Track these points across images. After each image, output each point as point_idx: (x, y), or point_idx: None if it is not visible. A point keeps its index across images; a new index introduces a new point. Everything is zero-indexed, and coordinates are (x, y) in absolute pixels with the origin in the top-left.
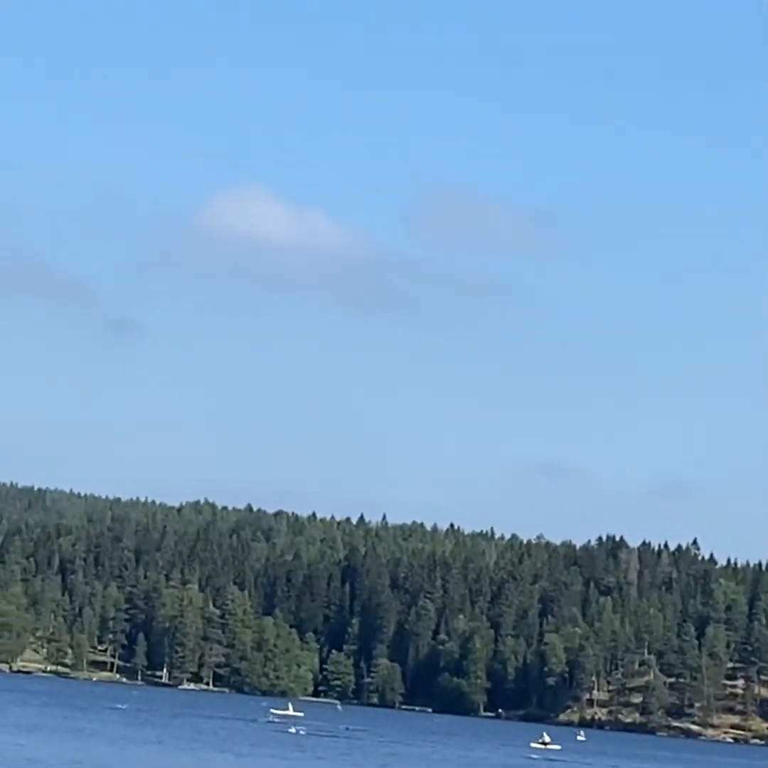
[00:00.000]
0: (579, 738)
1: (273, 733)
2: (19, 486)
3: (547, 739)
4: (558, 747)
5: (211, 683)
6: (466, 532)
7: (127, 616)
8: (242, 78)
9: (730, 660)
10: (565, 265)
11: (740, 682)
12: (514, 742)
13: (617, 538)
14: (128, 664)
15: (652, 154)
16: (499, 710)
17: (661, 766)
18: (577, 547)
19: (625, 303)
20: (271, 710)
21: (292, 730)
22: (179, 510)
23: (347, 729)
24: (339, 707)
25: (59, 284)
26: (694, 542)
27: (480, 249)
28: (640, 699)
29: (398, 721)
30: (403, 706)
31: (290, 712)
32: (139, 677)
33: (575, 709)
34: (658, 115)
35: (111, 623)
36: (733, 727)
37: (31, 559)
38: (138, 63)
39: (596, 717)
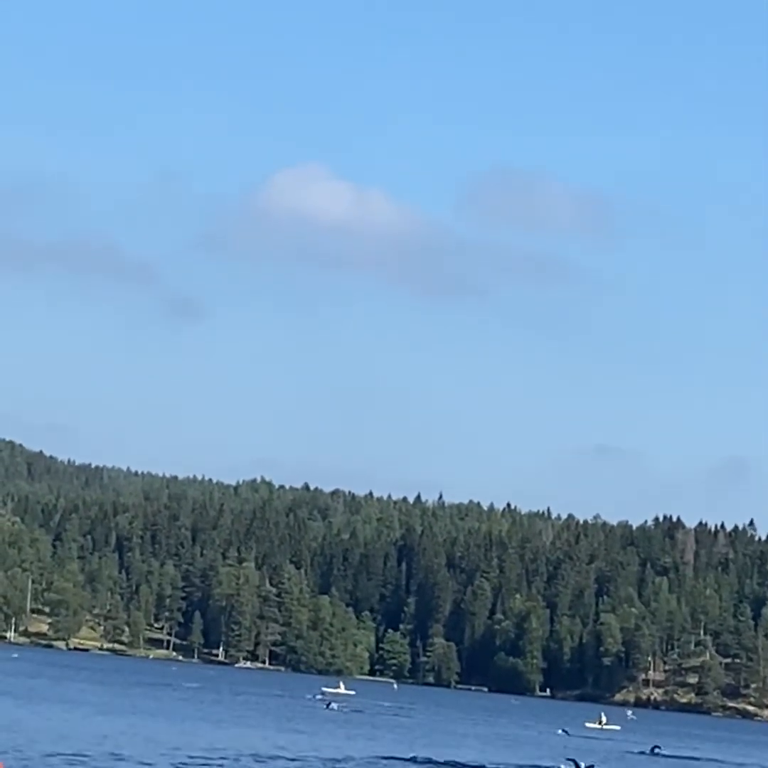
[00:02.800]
0: (629, 716)
1: (308, 709)
2: (77, 463)
3: (604, 719)
4: (617, 727)
5: (267, 662)
6: (522, 512)
7: (183, 594)
8: (302, 57)
9: None
10: (620, 247)
11: None
12: (566, 722)
13: (674, 519)
14: (184, 642)
15: (709, 139)
16: (547, 689)
17: (713, 746)
18: (634, 527)
19: (681, 284)
20: (323, 688)
21: (333, 706)
22: (236, 488)
23: (386, 706)
24: (395, 686)
25: (121, 264)
26: (751, 523)
27: (536, 230)
28: (696, 679)
29: (451, 700)
30: (459, 686)
31: (341, 690)
32: (196, 655)
33: (631, 689)
34: (719, 103)
35: (167, 601)
36: None
37: (89, 537)
38: (196, 44)
39: (652, 697)
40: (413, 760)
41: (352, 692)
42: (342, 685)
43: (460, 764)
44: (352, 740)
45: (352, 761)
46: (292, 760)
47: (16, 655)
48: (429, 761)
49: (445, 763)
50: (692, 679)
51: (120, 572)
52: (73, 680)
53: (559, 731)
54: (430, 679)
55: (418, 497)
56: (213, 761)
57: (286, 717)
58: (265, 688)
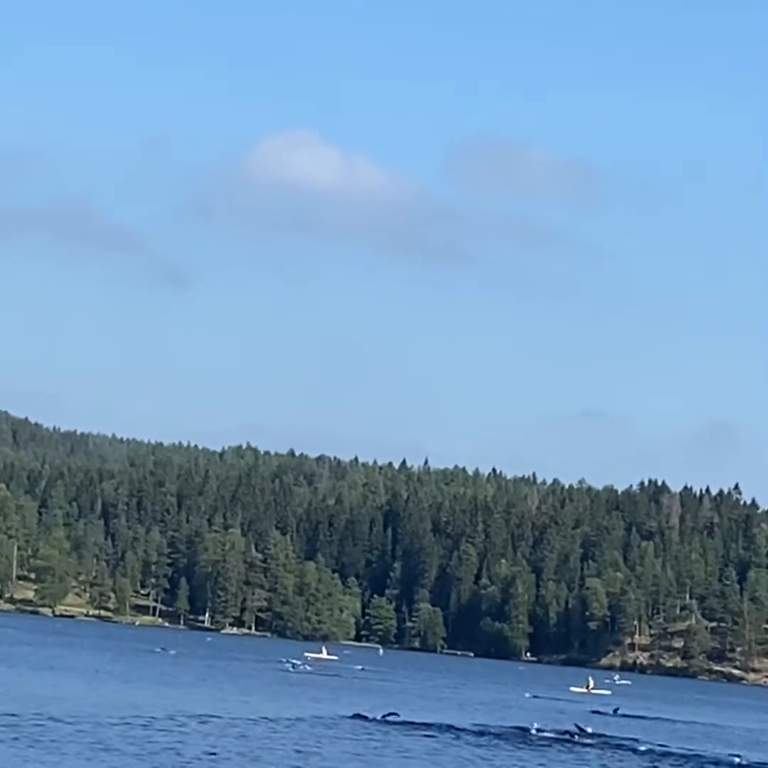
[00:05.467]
0: (616, 680)
1: (273, 672)
2: (62, 430)
3: (591, 683)
4: (607, 692)
5: (253, 628)
6: (508, 477)
7: (169, 561)
8: (289, 22)
9: None
10: (605, 213)
11: None
12: (550, 686)
13: (659, 483)
14: (170, 609)
15: (694, 106)
16: (533, 654)
17: (696, 710)
18: (619, 491)
19: (666, 249)
20: (305, 654)
21: (300, 669)
22: (221, 454)
23: (363, 670)
24: (380, 652)
25: (107, 231)
26: (736, 487)
27: (522, 197)
28: (682, 643)
29: (434, 665)
30: (445, 651)
31: (324, 655)
32: (182, 622)
33: (617, 653)
34: (704, 69)
35: (153, 568)
36: None
37: (74, 504)
38: (182, 7)
39: (638, 661)
40: (371, 719)
41: (335, 657)
42: (324, 651)
43: (418, 723)
44: (299, 700)
45: (292, 720)
46: (226, 718)
47: None
48: (386, 721)
49: (405, 722)
50: (678, 643)
51: (106, 539)
52: (44, 645)
53: (527, 695)
54: (416, 645)
55: (404, 463)
56: (157, 722)
57: (247, 680)
58: (241, 653)
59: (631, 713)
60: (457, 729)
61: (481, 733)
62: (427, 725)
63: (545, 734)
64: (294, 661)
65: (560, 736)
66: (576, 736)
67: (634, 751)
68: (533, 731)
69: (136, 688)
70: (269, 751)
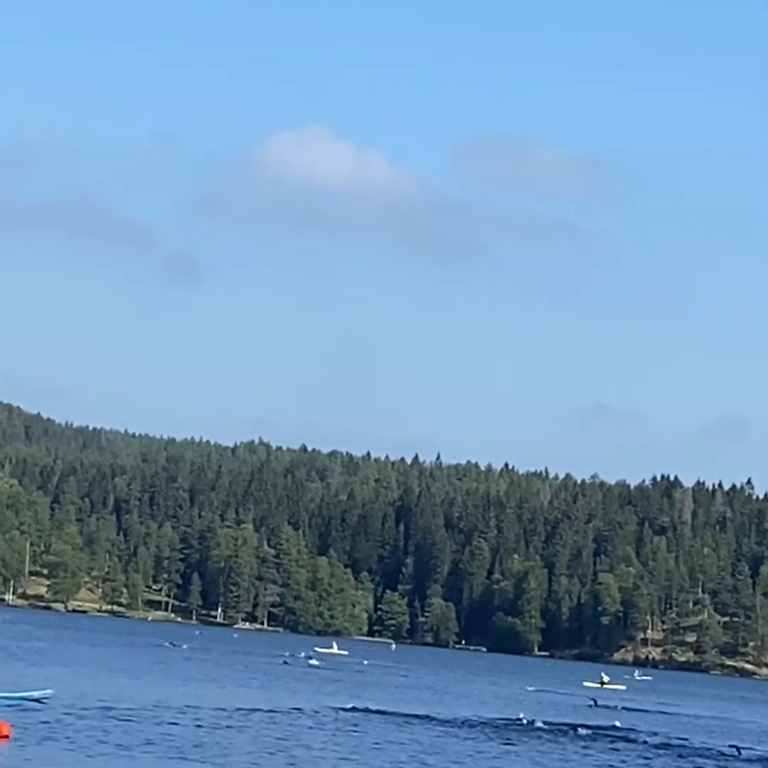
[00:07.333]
0: (636, 676)
1: (268, 666)
2: (75, 425)
3: (605, 678)
4: (622, 687)
5: (265, 623)
6: (520, 472)
7: (181, 556)
8: (300, 17)
9: None
10: (616, 208)
11: None
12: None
13: (671, 478)
14: (183, 604)
15: (704, 99)
16: (546, 649)
17: (712, 705)
18: (632, 486)
19: (677, 243)
20: (315, 649)
21: (289, 662)
22: (234, 450)
23: (365, 663)
24: (392, 647)
25: (118, 226)
26: (749, 482)
27: (532, 192)
28: (694, 638)
29: (445, 660)
30: (457, 646)
31: (334, 650)
32: (194, 617)
33: (629, 648)
34: (717, 62)
35: (166, 563)
36: None
37: (86, 499)
38: (192, 3)
39: (650, 656)
40: (352, 709)
41: (345, 652)
42: (335, 646)
43: (403, 715)
44: (283, 692)
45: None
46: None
47: (7, 617)
48: (366, 710)
49: (390, 713)
50: (690, 638)
51: (118, 534)
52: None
53: (529, 688)
54: (429, 640)
55: (416, 458)
56: (139, 711)
57: (234, 673)
58: (245, 647)
59: (640, 707)
60: (461, 723)
61: (478, 725)
62: (429, 718)
63: (540, 725)
64: (290, 654)
65: (557, 728)
66: (577, 729)
67: (638, 742)
68: (526, 723)
69: (116, 680)
70: (262, 742)
